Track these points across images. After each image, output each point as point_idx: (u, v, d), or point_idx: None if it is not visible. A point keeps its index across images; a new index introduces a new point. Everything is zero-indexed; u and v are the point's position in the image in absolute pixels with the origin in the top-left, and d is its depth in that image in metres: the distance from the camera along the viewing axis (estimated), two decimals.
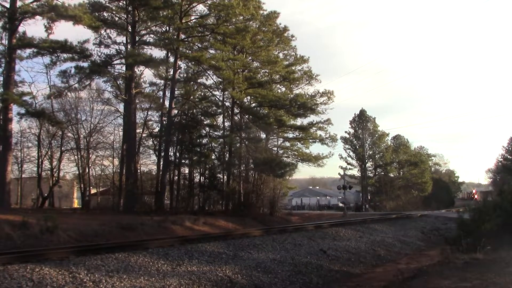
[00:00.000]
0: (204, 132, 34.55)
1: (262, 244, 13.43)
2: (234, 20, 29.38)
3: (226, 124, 34.17)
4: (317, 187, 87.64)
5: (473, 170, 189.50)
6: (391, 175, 69.04)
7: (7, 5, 23.52)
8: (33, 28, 31.01)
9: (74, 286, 7.69)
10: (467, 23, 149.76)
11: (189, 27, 30.21)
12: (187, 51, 31.08)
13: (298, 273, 11.00)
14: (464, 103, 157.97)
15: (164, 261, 10.03)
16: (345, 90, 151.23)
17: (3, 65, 24.20)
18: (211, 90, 33.82)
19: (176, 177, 33.29)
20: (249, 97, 34.89)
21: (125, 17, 29.03)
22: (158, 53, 42.56)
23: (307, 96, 35.13)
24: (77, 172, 32.48)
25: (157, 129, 34.37)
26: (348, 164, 63.78)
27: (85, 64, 26.12)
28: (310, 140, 37.59)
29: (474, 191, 70.14)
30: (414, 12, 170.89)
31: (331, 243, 15.53)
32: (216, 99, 34.09)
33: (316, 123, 35.95)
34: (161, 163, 30.70)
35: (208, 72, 31.93)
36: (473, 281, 8.15)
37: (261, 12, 32.22)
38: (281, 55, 36.73)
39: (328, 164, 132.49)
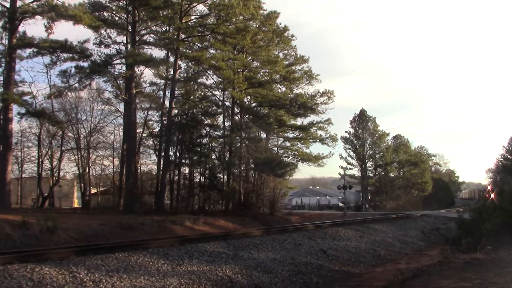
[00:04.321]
0: (204, 132, 34.50)
1: (262, 244, 13.44)
2: (234, 20, 29.33)
3: (226, 124, 34.17)
4: (317, 187, 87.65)
5: (473, 170, 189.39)
6: (391, 175, 69.09)
7: (7, 5, 23.51)
8: (33, 28, 31.04)
9: (74, 285, 7.69)
10: (467, 23, 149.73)
11: (189, 27, 30.17)
12: (187, 51, 31.05)
13: (298, 273, 11.00)
14: (464, 103, 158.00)
15: (164, 261, 10.04)
16: (345, 90, 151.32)
17: (3, 65, 24.21)
18: (211, 90, 33.81)
19: (176, 177, 33.26)
20: (249, 97, 34.87)
21: (125, 17, 29.00)
22: (158, 53, 42.60)
23: (307, 96, 35.10)
24: (77, 172, 32.50)
25: (157, 129, 34.43)
26: (348, 164, 63.92)
27: (85, 64, 26.08)
28: (310, 140, 37.57)
29: (489, 187, 46.78)
30: (414, 13, 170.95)
31: (331, 243, 15.53)
32: (216, 99, 34.11)
33: (316, 123, 35.94)
34: (161, 163, 30.70)
35: (208, 72, 31.91)
36: (473, 281, 8.15)
37: (261, 12, 32.14)
38: (281, 55, 36.72)
39: (328, 164, 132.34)
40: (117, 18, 29.15)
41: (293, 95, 35.14)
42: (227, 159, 32.76)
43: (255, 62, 35.26)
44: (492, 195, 18.54)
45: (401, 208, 56.08)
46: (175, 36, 29.16)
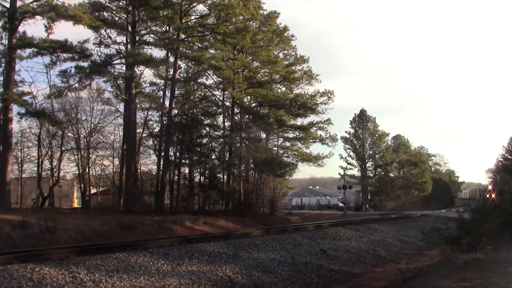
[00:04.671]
0: (204, 132, 34.53)
1: (262, 244, 13.43)
2: (234, 20, 29.34)
3: (226, 124, 34.21)
4: (317, 187, 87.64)
5: (473, 170, 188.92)
6: (391, 175, 69.10)
7: (7, 5, 23.49)
8: (33, 28, 31.00)
9: (74, 286, 7.69)
10: (467, 23, 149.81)
11: (189, 27, 30.18)
12: (187, 51, 31.05)
13: (298, 273, 11.00)
14: (464, 103, 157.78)
15: (164, 261, 10.03)
16: (345, 90, 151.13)
17: (3, 65, 24.18)
18: (211, 90, 33.84)
19: (176, 177, 33.27)
20: (249, 97, 34.89)
21: (125, 17, 28.99)
22: (158, 53, 42.56)
23: (307, 96, 35.14)
24: (77, 172, 32.52)
25: (157, 129, 34.43)
26: (348, 164, 63.92)
27: (85, 64, 26.10)
28: (310, 140, 37.58)
29: (490, 187, 40.76)
30: (414, 13, 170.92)
31: (331, 243, 15.53)
32: (216, 99, 34.13)
33: (316, 123, 35.97)
34: (161, 163, 30.70)
35: (208, 72, 31.92)
36: (473, 281, 8.16)
37: (261, 12, 32.17)
38: (281, 55, 36.73)
39: (328, 164, 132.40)
40: (117, 18, 29.15)
41: (293, 95, 35.18)
42: (227, 159, 32.78)
43: (255, 62, 35.27)
44: (494, 195, 18.46)
45: (401, 208, 56.07)
46: (175, 36, 29.17)
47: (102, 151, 32.99)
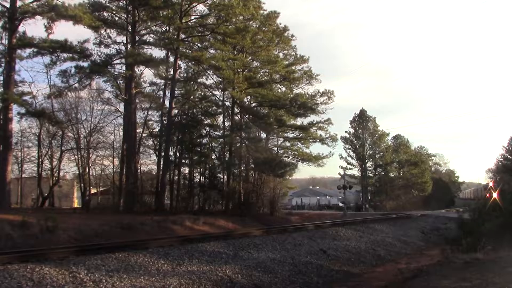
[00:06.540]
0: (204, 132, 34.53)
1: (262, 244, 13.43)
2: (234, 20, 29.35)
3: (226, 124, 34.18)
4: (317, 187, 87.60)
5: (473, 170, 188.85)
6: (391, 175, 69.09)
7: (7, 5, 23.49)
8: (33, 28, 30.98)
9: (74, 285, 7.69)
10: (467, 23, 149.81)
11: (189, 27, 30.19)
12: (187, 51, 31.04)
13: (298, 273, 11.01)
14: (464, 103, 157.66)
15: (164, 261, 10.03)
16: (345, 90, 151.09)
17: (3, 65, 24.17)
18: (211, 90, 33.82)
19: (176, 177, 33.27)
20: (249, 97, 34.88)
21: (125, 17, 28.97)
22: (158, 53, 42.42)
23: (307, 96, 35.13)
24: (77, 172, 32.48)
25: (157, 129, 34.40)
26: (348, 164, 63.95)
27: (85, 64, 26.09)
28: (310, 140, 37.57)
29: (492, 183, 36.20)
30: (414, 13, 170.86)
31: (331, 243, 15.53)
32: (216, 99, 34.12)
33: (316, 123, 35.96)
34: (161, 163, 30.69)
35: (208, 72, 31.91)
36: (473, 281, 8.15)
37: (261, 12, 32.15)
38: (281, 54, 36.71)
39: (328, 164, 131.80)
40: (117, 18, 29.11)
41: (293, 95, 35.16)
42: (227, 159, 32.77)
43: (255, 62, 35.25)
44: (496, 194, 18.29)
45: (401, 208, 56.00)
46: (175, 36, 29.17)
47: (102, 151, 32.98)
